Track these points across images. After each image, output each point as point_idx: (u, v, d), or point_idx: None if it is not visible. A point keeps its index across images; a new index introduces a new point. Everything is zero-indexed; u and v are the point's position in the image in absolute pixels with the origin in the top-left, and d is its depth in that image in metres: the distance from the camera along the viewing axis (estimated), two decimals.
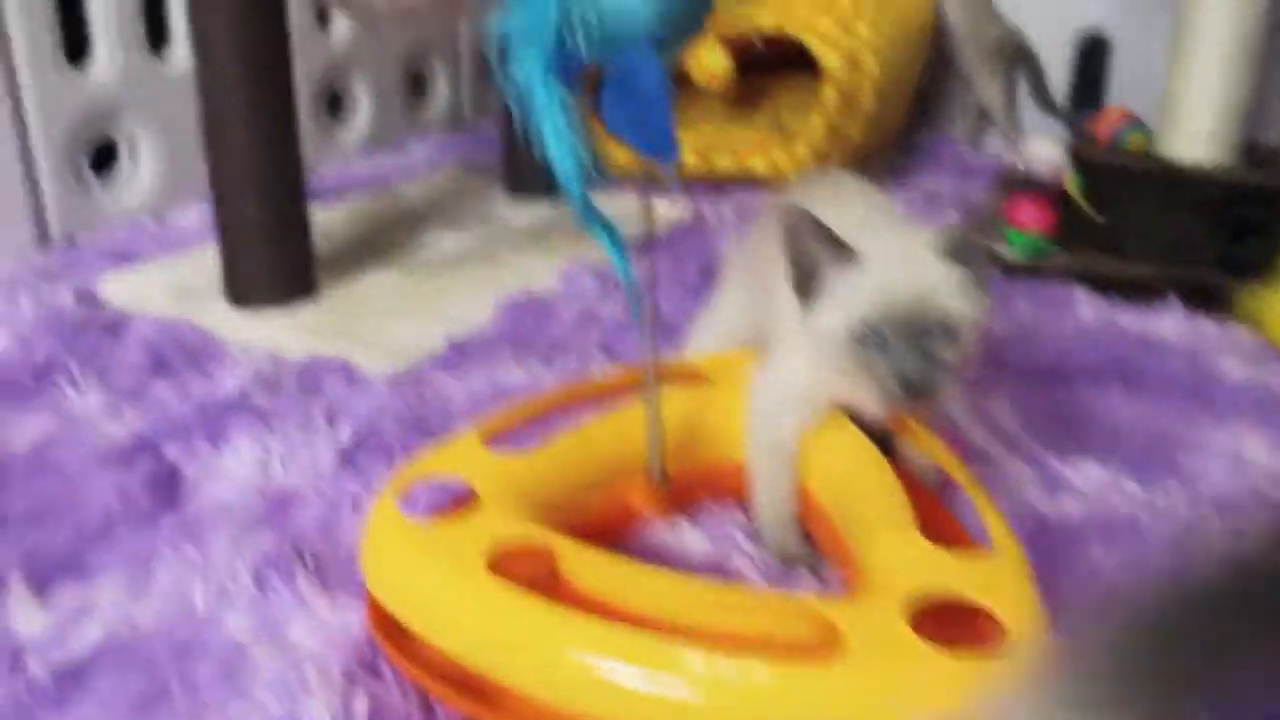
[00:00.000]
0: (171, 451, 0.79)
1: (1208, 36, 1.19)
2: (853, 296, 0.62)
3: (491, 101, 1.78)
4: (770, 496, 0.69)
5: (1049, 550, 0.68)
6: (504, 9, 0.56)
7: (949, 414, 0.76)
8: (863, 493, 0.63)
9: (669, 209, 1.38)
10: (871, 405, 0.64)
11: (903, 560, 0.56)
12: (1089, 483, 0.77)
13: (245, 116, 1.01)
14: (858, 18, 1.40)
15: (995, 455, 0.81)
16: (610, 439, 0.69)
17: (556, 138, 0.56)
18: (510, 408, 0.70)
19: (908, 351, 0.60)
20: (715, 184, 1.49)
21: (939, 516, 0.66)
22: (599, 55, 0.56)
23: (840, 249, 0.62)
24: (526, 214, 1.36)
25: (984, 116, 1.71)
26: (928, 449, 0.67)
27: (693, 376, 0.74)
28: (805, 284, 0.64)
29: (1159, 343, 1.01)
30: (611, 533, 0.68)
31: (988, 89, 1.67)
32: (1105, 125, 1.34)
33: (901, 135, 1.71)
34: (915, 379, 0.60)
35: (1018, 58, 1.67)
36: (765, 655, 0.49)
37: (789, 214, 0.63)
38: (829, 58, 1.38)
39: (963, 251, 0.62)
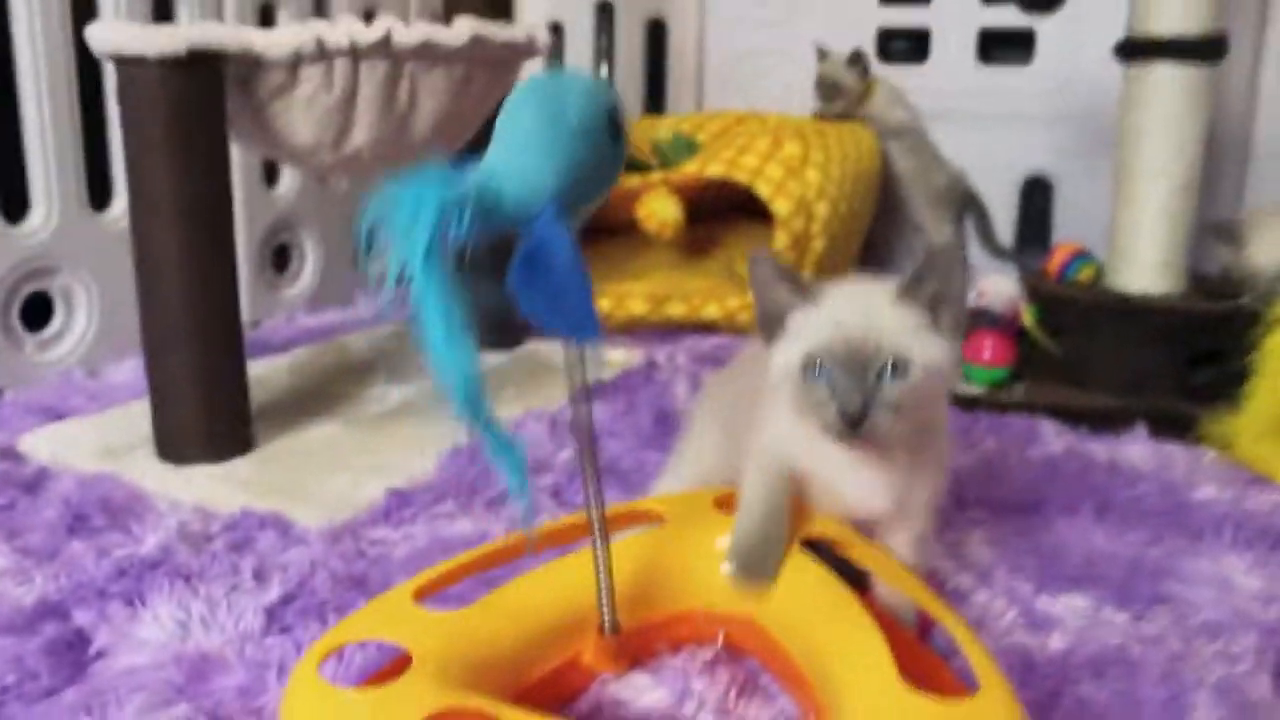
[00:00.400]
0: (81, 616, 0.72)
1: (1152, 170, 1.20)
2: (806, 332, 0.65)
3: None
4: (762, 509, 0.66)
5: (1038, 688, 0.63)
6: (379, 189, 0.50)
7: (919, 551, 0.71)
8: (834, 636, 0.58)
9: (621, 355, 1.35)
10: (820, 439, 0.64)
11: (880, 710, 0.51)
12: (1072, 615, 0.73)
13: (181, 269, 0.97)
14: (806, 164, 1.41)
15: (971, 591, 0.76)
16: (555, 591, 0.63)
17: (440, 332, 0.49)
18: (447, 562, 0.65)
19: (849, 384, 0.62)
20: (668, 331, 1.46)
21: (920, 658, 0.60)
22: (495, 232, 0.51)
23: (802, 290, 0.66)
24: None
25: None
26: (904, 585, 0.62)
27: (648, 518, 0.70)
28: (770, 327, 0.67)
29: (1129, 470, 0.98)
30: (560, 692, 0.62)
31: (937, 233, 1.69)
32: (1056, 260, 1.34)
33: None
34: (850, 410, 0.61)
35: (965, 203, 1.70)
36: None
37: (757, 261, 0.66)
38: (779, 204, 1.38)
39: (922, 295, 0.63)
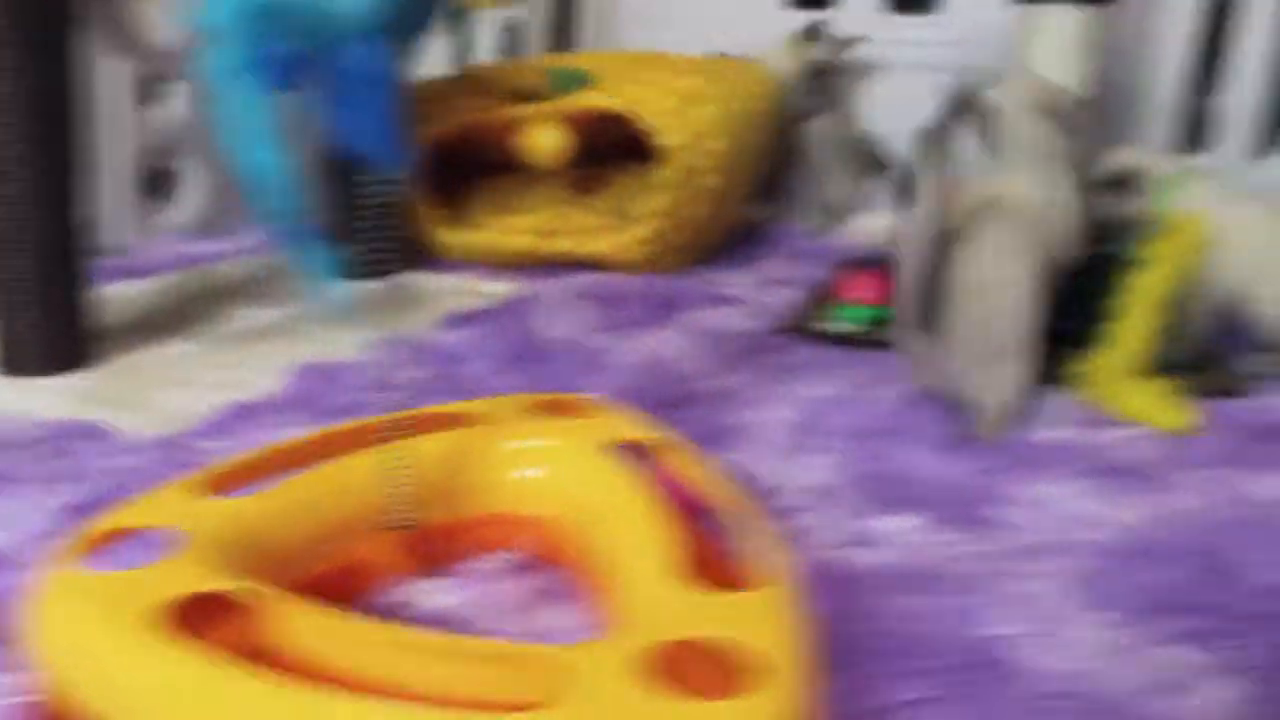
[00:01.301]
0: None
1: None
2: None
3: None
4: None
5: (852, 598, 0.63)
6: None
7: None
8: (627, 537, 0.56)
9: (503, 287, 1.33)
10: None
11: (653, 602, 0.49)
12: (902, 533, 0.72)
13: (22, 166, 0.93)
14: (698, 100, 1.38)
15: (808, 509, 0.75)
16: (351, 484, 0.61)
17: (250, 142, 0.47)
18: (247, 453, 0.62)
19: None
20: (553, 265, 1.44)
21: (714, 553, 0.59)
22: (312, 48, 0.49)
23: None
24: (344, 292, 1.29)
25: (830, 210, 1.72)
26: (721, 493, 0.60)
27: (467, 420, 0.67)
28: None
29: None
30: (348, 588, 0.60)
31: (837, 186, 1.68)
32: None
33: (745, 222, 1.69)
34: None
35: (874, 164, 1.71)
36: (473, 711, 0.42)
37: None
38: (669, 137, 1.35)
39: None
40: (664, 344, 1.05)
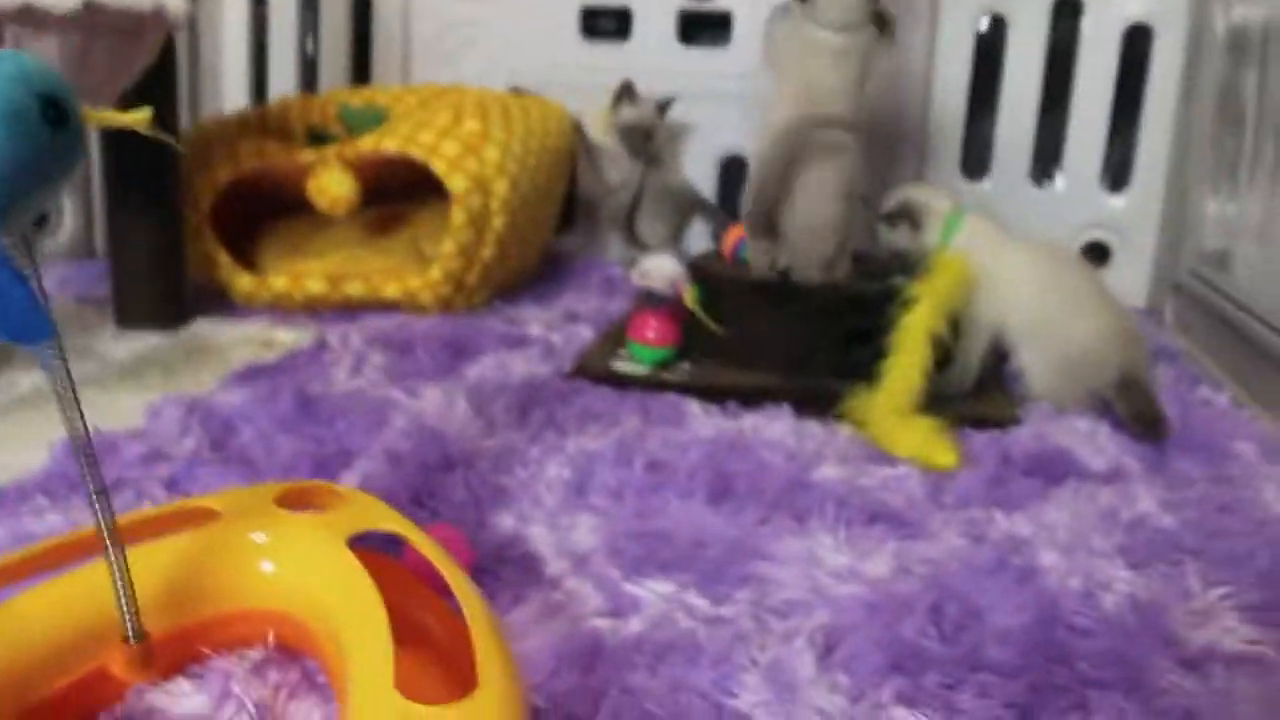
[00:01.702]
0: None
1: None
2: None
3: None
4: None
5: (598, 674, 0.63)
6: None
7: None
8: (352, 635, 0.56)
9: (291, 336, 1.30)
10: None
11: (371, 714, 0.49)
12: (655, 599, 0.73)
13: None
14: (486, 141, 1.39)
15: (563, 577, 0.76)
16: (78, 597, 0.59)
17: None
18: None
19: None
20: (347, 310, 1.42)
21: (438, 653, 0.59)
22: None
23: None
24: (130, 346, 1.25)
25: (636, 241, 1.74)
26: (454, 580, 0.60)
27: (202, 516, 0.66)
28: None
29: (763, 448, 1.00)
30: (84, 705, 0.58)
31: (651, 226, 1.71)
32: (729, 240, 1.36)
33: (548, 255, 1.71)
34: None
35: (692, 208, 1.74)
36: None
37: None
38: (455, 181, 1.35)
39: None
40: (450, 397, 1.04)
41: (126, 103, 1.15)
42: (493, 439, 0.98)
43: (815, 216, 1.22)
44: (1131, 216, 1.71)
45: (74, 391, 0.54)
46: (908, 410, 1.07)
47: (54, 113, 0.46)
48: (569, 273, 1.71)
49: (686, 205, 1.76)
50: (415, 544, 0.63)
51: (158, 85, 1.21)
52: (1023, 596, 0.74)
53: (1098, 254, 1.75)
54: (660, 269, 1.20)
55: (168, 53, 1.22)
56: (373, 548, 0.64)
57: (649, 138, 1.63)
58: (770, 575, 0.77)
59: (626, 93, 1.66)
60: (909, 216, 1.22)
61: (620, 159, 1.66)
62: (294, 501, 0.66)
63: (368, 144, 1.38)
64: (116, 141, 1.28)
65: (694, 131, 1.78)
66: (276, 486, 0.69)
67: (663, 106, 1.70)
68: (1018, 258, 1.18)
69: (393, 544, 0.66)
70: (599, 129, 1.69)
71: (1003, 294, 1.16)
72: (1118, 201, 1.72)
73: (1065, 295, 1.16)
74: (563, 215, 1.75)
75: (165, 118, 1.30)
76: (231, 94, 2.02)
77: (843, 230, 1.23)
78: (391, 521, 0.65)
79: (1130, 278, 1.72)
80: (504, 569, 0.77)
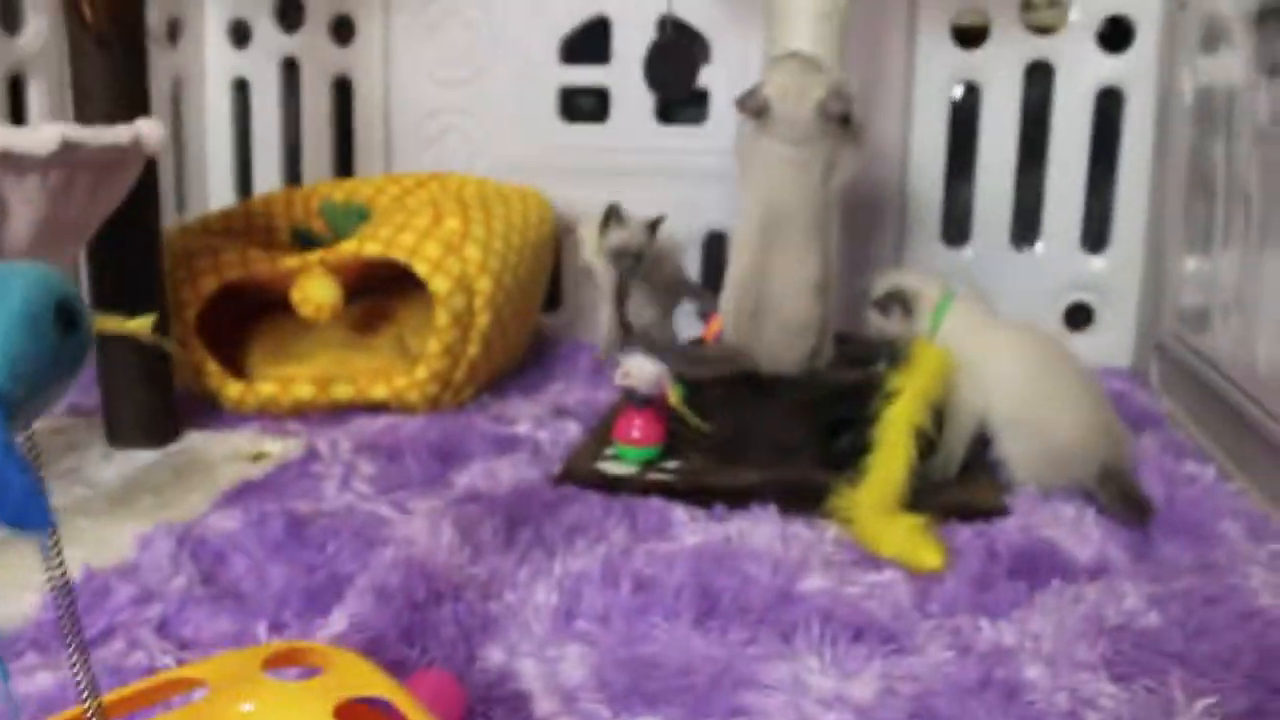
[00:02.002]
0: None
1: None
2: None
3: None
4: None
5: None
6: None
7: None
8: None
9: (279, 446, 1.31)
10: None
11: None
12: None
13: None
14: (466, 240, 1.40)
15: (552, 718, 0.76)
16: None
17: None
18: None
19: None
20: (336, 412, 1.43)
21: None
22: None
23: None
24: (119, 469, 1.26)
25: (625, 324, 1.74)
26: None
27: (188, 685, 0.66)
28: None
29: (748, 558, 1.00)
30: None
31: (639, 314, 1.72)
32: (713, 329, 1.37)
33: (536, 337, 1.72)
34: None
35: (680, 290, 1.75)
36: None
37: None
38: (438, 283, 1.36)
39: None
40: (437, 522, 1.05)
41: (109, 221, 1.17)
42: (480, 564, 0.98)
43: (791, 317, 1.23)
44: (1112, 278, 1.73)
45: (67, 581, 0.55)
46: (892, 507, 1.07)
47: (66, 317, 0.49)
48: (556, 357, 1.72)
49: (675, 288, 1.77)
50: (402, 709, 0.64)
51: (140, 199, 1.22)
52: (1008, 719, 0.74)
53: (1081, 316, 1.77)
54: (642, 370, 1.21)
55: (149, 168, 1.23)
56: (364, 702, 0.64)
57: (639, 259, 1.63)
58: (757, 705, 0.78)
59: (614, 215, 1.63)
60: (901, 303, 1.22)
61: (610, 275, 1.66)
62: (282, 662, 0.67)
63: (350, 249, 1.39)
64: (100, 255, 1.29)
65: (676, 210, 1.79)
66: (264, 649, 0.69)
67: (652, 226, 1.66)
68: (1003, 345, 1.19)
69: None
70: (589, 250, 1.68)
71: (987, 382, 1.17)
72: (1098, 263, 1.73)
73: (1049, 386, 1.17)
74: (549, 293, 1.76)
75: (147, 229, 1.31)
76: (217, 187, 2.04)
77: (820, 326, 1.25)
78: (378, 685, 0.66)
79: (1114, 339, 1.73)
80: (495, 710, 0.78)
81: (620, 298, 1.65)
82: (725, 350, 1.27)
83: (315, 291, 1.36)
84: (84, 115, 1.24)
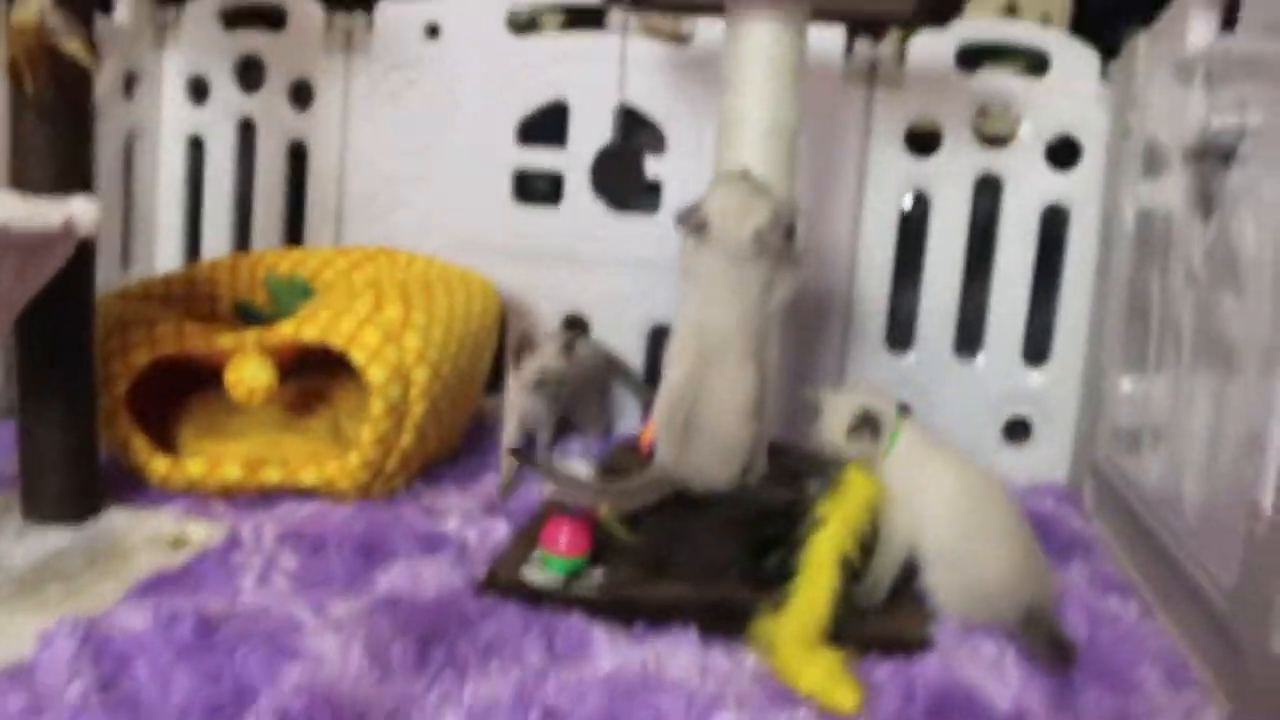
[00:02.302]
0: None
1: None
2: None
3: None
4: None
5: None
6: None
7: None
8: None
9: (203, 532, 1.29)
10: None
11: None
12: None
13: None
14: (406, 328, 1.39)
15: None
16: None
17: None
18: None
19: None
20: (264, 496, 1.41)
21: None
22: None
23: None
24: (32, 550, 1.22)
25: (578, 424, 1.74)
26: None
27: None
28: None
29: (663, 688, 0.98)
30: None
31: (582, 408, 1.71)
32: (647, 436, 1.37)
33: (475, 428, 1.70)
34: None
35: (610, 375, 1.73)
36: None
37: None
38: (374, 372, 1.35)
39: None
40: (349, 637, 1.02)
41: (41, 291, 1.15)
42: (389, 686, 0.96)
43: (723, 437, 1.23)
44: (1051, 393, 1.74)
45: None
46: (814, 638, 1.06)
47: None
48: (495, 444, 1.71)
49: (603, 376, 1.75)
50: None
51: (74, 271, 1.20)
52: None
53: (1020, 430, 1.78)
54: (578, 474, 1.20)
55: (83, 244, 1.21)
56: None
57: (561, 383, 1.59)
58: None
59: (525, 345, 1.55)
60: (870, 426, 1.20)
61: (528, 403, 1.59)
62: None
63: (287, 331, 1.37)
64: (30, 326, 1.26)
65: (624, 298, 1.79)
66: None
67: (568, 346, 1.56)
68: (943, 474, 1.18)
69: None
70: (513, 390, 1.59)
71: (924, 510, 1.17)
72: (1038, 377, 1.75)
73: (984, 521, 1.17)
74: (492, 374, 1.75)
75: (79, 301, 1.29)
76: (165, 244, 2.02)
77: (752, 444, 1.25)
78: None
79: (1051, 454, 1.74)
80: None
81: (550, 424, 1.61)
82: (653, 476, 1.25)
83: (249, 374, 1.34)
84: (23, 184, 1.21)
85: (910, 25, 1.62)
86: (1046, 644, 1.10)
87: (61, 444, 1.29)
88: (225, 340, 1.38)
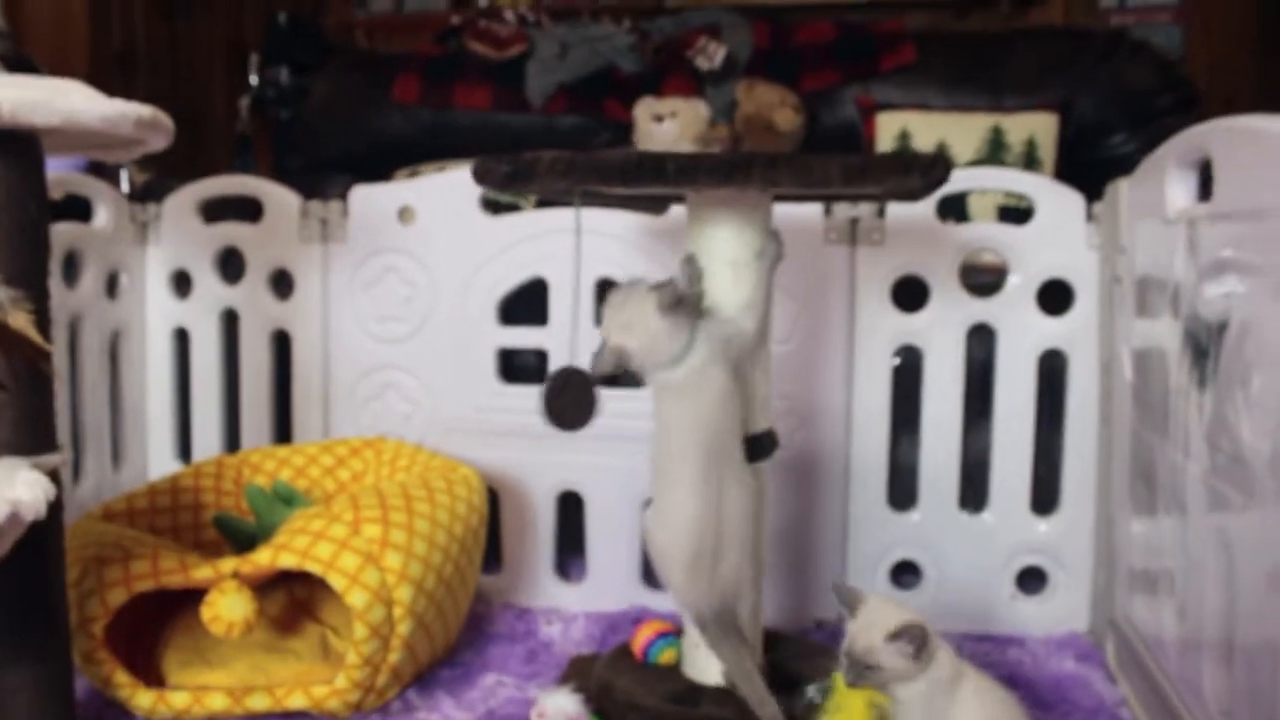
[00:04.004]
0: None
1: None
2: None
3: None
4: None
5: None
6: None
7: None
8: None
9: None
10: None
11: None
12: None
13: None
14: (386, 548, 1.35)
15: None
16: None
17: None
18: None
19: None
20: None
21: None
22: None
23: None
24: None
25: None
26: None
27: None
28: None
29: None
30: None
31: None
32: (640, 639, 1.32)
33: (472, 614, 1.66)
34: None
35: None
36: None
37: None
38: (354, 596, 1.31)
39: None
40: None
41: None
42: None
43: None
44: (1064, 542, 1.68)
45: None
46: None
47: None
48: (492, 636, 1.66)
49: None
50: None
51: (39, 526, 1.17)
52: None
53: (1035, 579, 1.72)
54: (559, 711, 1.16)
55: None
56: None
57: None
58: None
59: None
60: (919, 641, 1.08)
61: None
62: None
63: (265, 559, 1.34)
64: None
65: (616, 475, 1.75)
66: None
67: None
68: (970, 698, 1.11)
69: None
70: None
71: None
72: (1049, 526, 1.69)
73: None
74: (488, 555, 1.71)
75: (46, 553, 1.25)
76: (157, 444, 2.01)
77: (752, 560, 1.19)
78: None
79: (1070, 603, 1.69)
80: None
81: None
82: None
83: (226, 610, 1.30)
84: None
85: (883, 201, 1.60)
86: None
87: (36, 699, 1.25)
88: (202, 572, 1.35)
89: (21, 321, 1.04)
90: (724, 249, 1.21)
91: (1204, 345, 1.16)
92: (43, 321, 1.14)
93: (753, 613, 1.24)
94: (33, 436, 1.20)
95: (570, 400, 1.20)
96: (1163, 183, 1.33)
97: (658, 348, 1.16)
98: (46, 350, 1.09)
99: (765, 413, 1.24)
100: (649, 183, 1.12)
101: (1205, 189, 1.23)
